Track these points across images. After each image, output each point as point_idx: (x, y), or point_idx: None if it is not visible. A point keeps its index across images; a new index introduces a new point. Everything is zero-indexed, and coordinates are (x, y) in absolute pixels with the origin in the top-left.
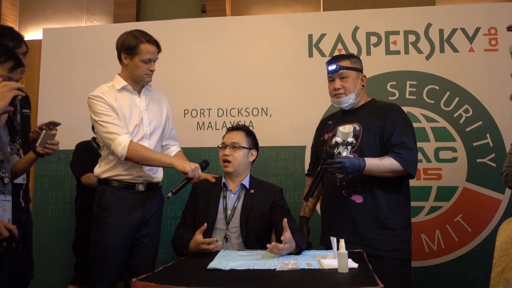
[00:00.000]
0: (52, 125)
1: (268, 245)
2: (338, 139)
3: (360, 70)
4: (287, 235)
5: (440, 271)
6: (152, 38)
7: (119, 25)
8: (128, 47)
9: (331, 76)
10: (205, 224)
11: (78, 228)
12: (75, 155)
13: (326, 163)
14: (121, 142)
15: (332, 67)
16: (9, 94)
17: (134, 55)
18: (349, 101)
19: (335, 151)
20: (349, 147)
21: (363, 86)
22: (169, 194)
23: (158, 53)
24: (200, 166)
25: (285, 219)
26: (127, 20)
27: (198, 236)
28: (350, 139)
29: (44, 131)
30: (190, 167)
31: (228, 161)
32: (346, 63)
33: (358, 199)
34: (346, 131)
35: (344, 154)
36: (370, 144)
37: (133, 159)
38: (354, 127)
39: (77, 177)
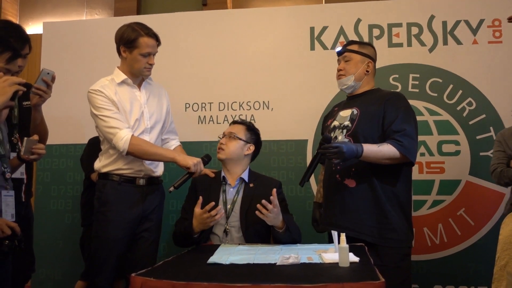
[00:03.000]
0: (45, 77)
1: (258, 206)
2: (336, 123)
3: (367, 55)
4: (272, 204)
5: (442, 265)
6: (152, 31)
7: (119, 19)
8: (127, 40)
9: (338, 59)
10: (213, 202)
11: (84, 224)
12: (86, 151)
13: (323, 147)
14: (123, 137)
15: (338, 49)
16: (10, 89)
17: (133, 49)
18: (347, 82)
19: (332, 134)
20: (344, 131)
21: (367, 71)
22: (171, 189)
23: (157, 47)
24: (202, 160)
25: (274, 190)
26: (128, 13)
27: (197, 209)
28: (346, 123)
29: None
30: (193, 161)
31: (222, 149)
32: (353, 47)
33: (351, 183)
34: (345, 115)
35: (340, 138)
36: (365, 128)
37: (134, 154)
38: (353, 111)
39: (87, 173)
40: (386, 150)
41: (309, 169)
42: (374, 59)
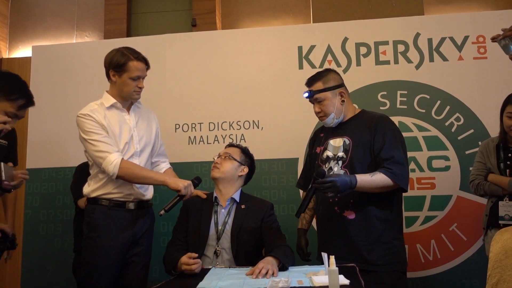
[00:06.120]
0: None
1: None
2: (329, 153)
3: (335, 87)
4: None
5: (436, 281)
6: (141, 55)
7: (109, 41)
8: (117, 64)
9: (310, 101)
10: (195, 254)
11: (76, 250)
12: (74, 177)
13: (317, 182)
14: (112, 161)
15: (306, 94)
16: None
17: (123, 73)
18: (331, 121)
19: (326, 165)
20: (340, 162)
21: (343, 101)
22: (162, 212)
23: (146, 70)
24: (193, 183)
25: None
26: (117, 36)
27: (184, 258)
28: (340, 154)
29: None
30: (183, 184)
31: (216, 167)
32: (318, 85)
33: (350, 215)
34: (336, 144)
35: (335, 169)
36: (360, 158)
37: (125, 178)
38: (344, 141)
39: (74, 200)
40: (379, 179)
41: (303, 203)
42: (342, 84)
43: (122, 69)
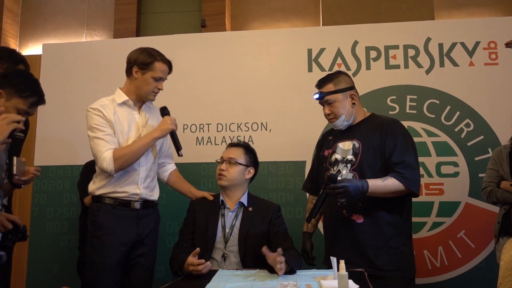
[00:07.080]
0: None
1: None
2: (337, 156)
3: (346, 89)
4: (278, 258)
5: None
6: (167, 59)
7: (119, 41)
8: (142, 62)
9: (320, 102)
10: (198, 249)
11: (81, 248)
12: (81, 175)
13: (329, 187)
14: (105, 157)
15: (316, 96)
16: (8, 128)
17: (147, 71)
18: (341, 123)
19: (334, 168)
20: (349, 165)
21: (354, 104)
22: (181, 154)
23: (167, 74)
24: (163, 113)
25: (279, 249)
26: (127, 35)
27: (190, 258)
28: (350, 157)
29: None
30: (171, 124)
31: (223, 175)
32: (329, 87)
33: (358, 219)
34: (345, 148)
35: (344, 172)
36: (370, 161)
37: (123, 166)
38: (354, 144)
39: (80, 197)
40: (391, 184)
41: (314, 208)
42: (352, 86)
43: (147, 67)
